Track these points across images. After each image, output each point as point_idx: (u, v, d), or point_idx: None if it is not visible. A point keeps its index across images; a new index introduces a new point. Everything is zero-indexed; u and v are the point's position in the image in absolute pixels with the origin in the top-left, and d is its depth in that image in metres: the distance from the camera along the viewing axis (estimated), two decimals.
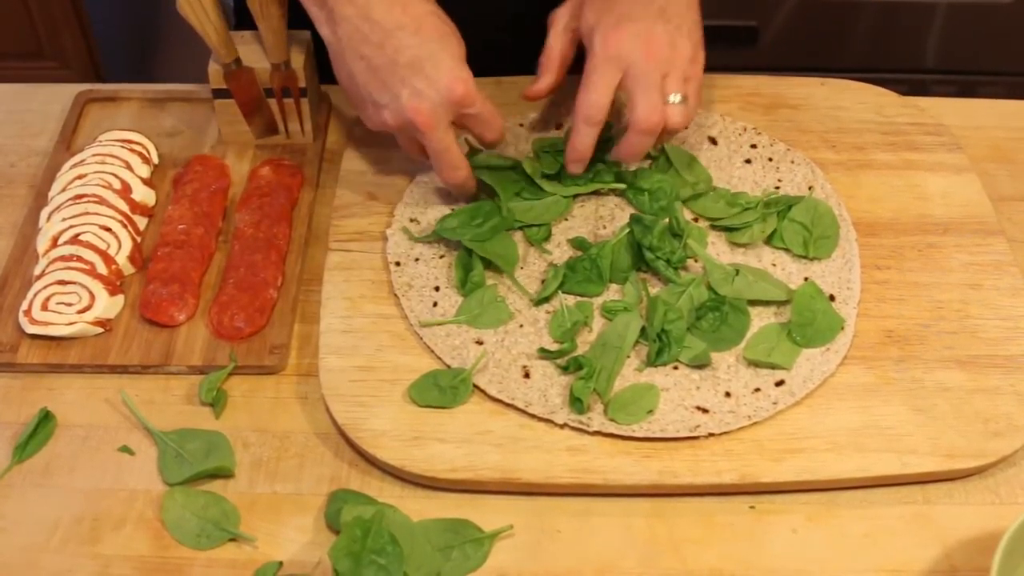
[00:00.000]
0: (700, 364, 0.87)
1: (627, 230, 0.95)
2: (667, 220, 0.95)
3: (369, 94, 0.91)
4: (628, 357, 0.88)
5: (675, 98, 0.92)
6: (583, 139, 0.94)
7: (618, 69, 0.92)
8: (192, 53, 1.15)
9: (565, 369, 0.87)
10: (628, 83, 0.92)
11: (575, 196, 0.99)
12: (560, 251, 0.96)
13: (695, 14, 0.95)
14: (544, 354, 0.88)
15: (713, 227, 0.98)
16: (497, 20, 1.16)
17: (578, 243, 0.96)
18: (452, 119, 0.91)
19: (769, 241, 0.96)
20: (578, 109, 0.93)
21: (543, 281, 0.93)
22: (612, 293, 0.93)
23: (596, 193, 1.00)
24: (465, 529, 0.80)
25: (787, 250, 0.96)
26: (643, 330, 0.89)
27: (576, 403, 0.84)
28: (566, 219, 0.98)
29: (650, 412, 0.84)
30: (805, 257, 0.95)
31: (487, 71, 1.11)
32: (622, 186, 0.99)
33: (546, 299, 0.92)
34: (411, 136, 0.93)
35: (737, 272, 0.92)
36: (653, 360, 0.87)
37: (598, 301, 0.92)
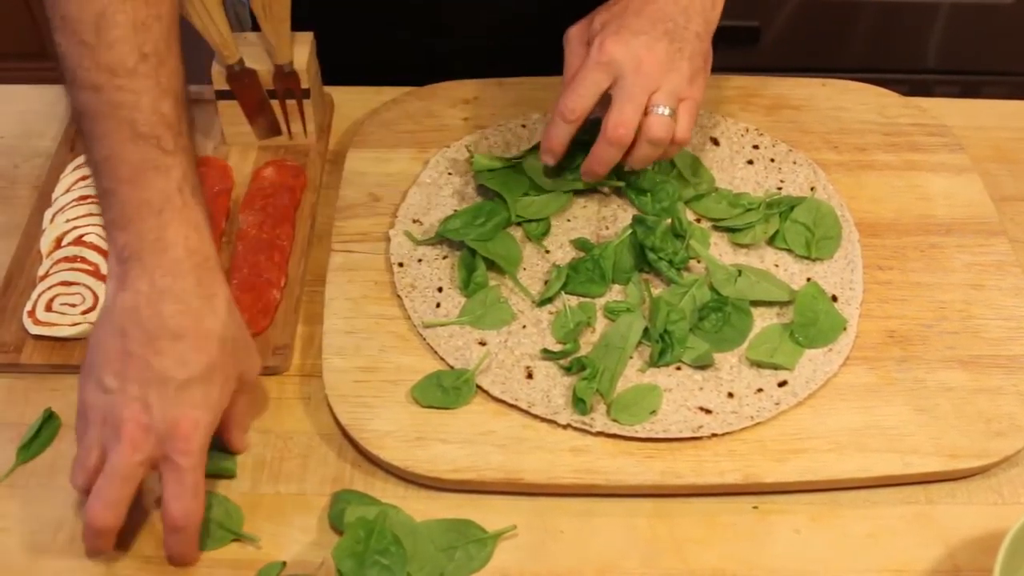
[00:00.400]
0: (703, 365, 0.87)
1: (630, 231, 0.95)
2: (669, 221, 0.95)
3: (101, 375, 0.76)
4: (631, 358, 0.88)
5: (661, 110, 0.89)
6: (558, 132, 0.92)
7: (607, 75, 0.90)
8: (194, 55, 1.15)
9: (568, 370, 0.87)
10: (612, 91, 0.90)
11: (577, 194, 1.00)
12: (562, 252, 0.96)
13: (703, 44, 0.92)
14: (547, 355, 0.88)
15: (715, 228, 0.98)
16: (512, 21, 1.15)
17: (580, 244, 0.96)
18: (155, 456, 0.75)
19: (771, 242, 0.96)
20: (557, 105, 0.91)
21: (546, 282, 0.93)
22: (615, 294, 0.93)
23: (598, 193, 1.00)
24: (468, 529, 0.81)
25: (789, 251, 0.96)
26: (646, 331, 0.89)
27: (579, 404, 0.84)
28: (568, 220, 0.98)
29: (653, 412, 0.84)
30: (807, 258, 0.95)
31: (503, 73, 1.11)
32: (621, 184, 0.99)
33: (549, 299, 0.92)
34: (101, 444, 0.76)
35: (740, 273, 0.92)
36: (656, 361, 0.87)
37: (600, 302, 0.92)
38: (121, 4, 0.77)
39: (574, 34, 0.94)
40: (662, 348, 0.88)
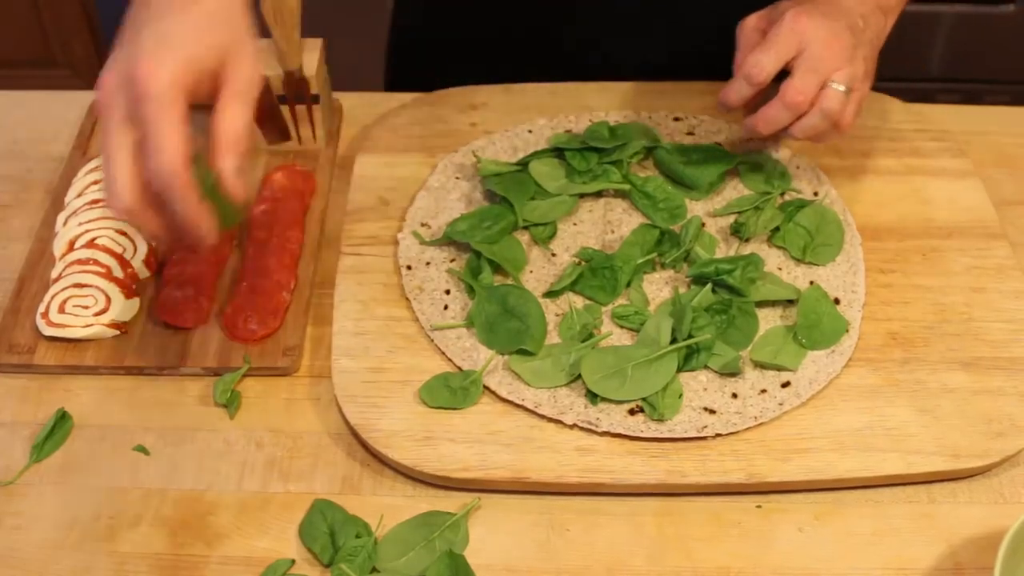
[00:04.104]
0: (731, 372, 0.88)
1: (654, 254, 0.96)
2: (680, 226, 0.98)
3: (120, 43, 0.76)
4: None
5: (838, 86, 0.91)
6: (738, 90, 0.94)
7: (796, 45, 0.91)
8: None
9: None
10: (795, 63, 0.91)
11: (583, 198, 1.01)
12: (568, 255, 0.97)
13: (874, 51, 0.95)
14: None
15: (716, 214, 0.99)
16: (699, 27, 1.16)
17: (586, 255, 0.96)
18: (130, 116, 0.72)
19: (771, 238, 0.97)
20: (744, 63, 0.92)
21: (551, 284, 0.94)
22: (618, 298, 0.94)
23: (604, 196, 1.01)
24: (435, 519, 0.82)
25: (791, 256, 0.97)
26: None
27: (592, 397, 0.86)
28: (574, 223, 1.00)
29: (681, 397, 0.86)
30: (803, 261, 0.96)
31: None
32: (626, 187, 1.00)
33: (556, 293, 0.93)
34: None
35: (746, 265, 0.93)
36: (681, 366, 0.88)
37: (607, 307, 0.93)
38: None
39: (752, 23, 0.96)
40: (688, 353, 0.88)
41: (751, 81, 0.92)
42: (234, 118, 0.76)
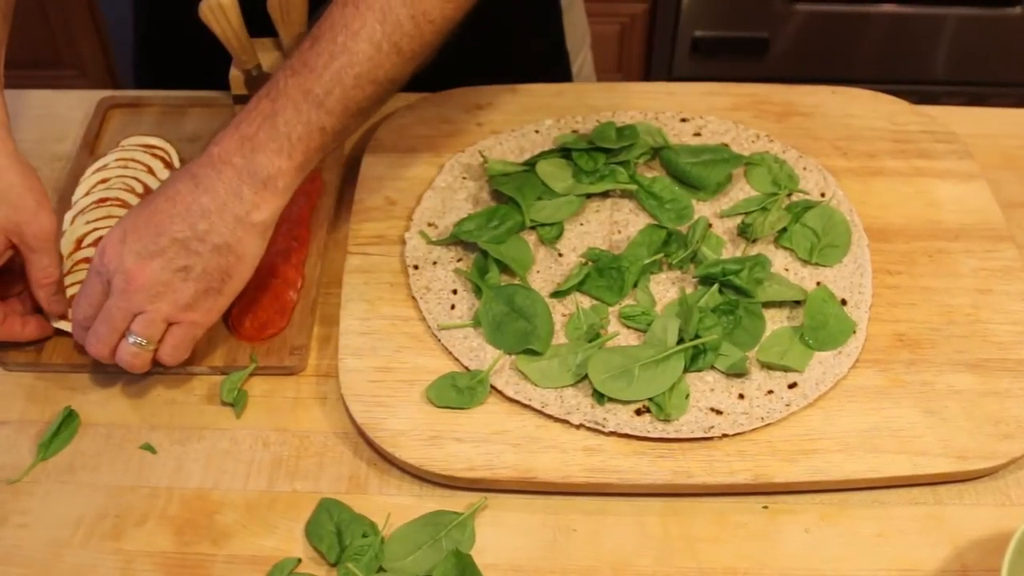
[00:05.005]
0: (737, 373, 0.88)
1: (660, 254, 0.96)
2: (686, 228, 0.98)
3: None
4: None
5: (133, 339, 0.84)
6: (78, 336, 0.88)
7: (103, 284, 0.84)
8: (210, 59, 1.16)
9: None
10: (105, 304, 0.85)
11: (589, 199, 1.01)
12: (575, 255, 0.97)
13: (224, 259, 0.84)
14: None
15: (724, 215, 1.00)
16: None
17: (593, 255, 0.97)
18: None
19: (778, 240, 0.97)
20: (74, 309, 0.87)
21: (558, 284, 0.95)
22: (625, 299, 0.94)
23: (610, 197, 1.02)
24: (442, 518, 0.82)
25: (798, 256, 0.97)
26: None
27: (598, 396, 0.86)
28: (581, 224, 1.00)
29: (687, 398, 0.86)
30: (809, 262, 0.96)
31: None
32: (633, 187, 1.00)
33: (563, 293, 0.93)
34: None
35: (753, 266, 0.93)
36: (688, 366, 0.88)
37: (613, 307, 0.93)
38: None
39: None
40: (694, 353, 0.88)
41: (82, 327, 0.87)
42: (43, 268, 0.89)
